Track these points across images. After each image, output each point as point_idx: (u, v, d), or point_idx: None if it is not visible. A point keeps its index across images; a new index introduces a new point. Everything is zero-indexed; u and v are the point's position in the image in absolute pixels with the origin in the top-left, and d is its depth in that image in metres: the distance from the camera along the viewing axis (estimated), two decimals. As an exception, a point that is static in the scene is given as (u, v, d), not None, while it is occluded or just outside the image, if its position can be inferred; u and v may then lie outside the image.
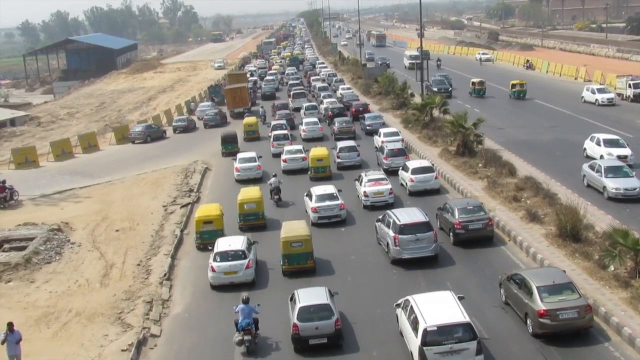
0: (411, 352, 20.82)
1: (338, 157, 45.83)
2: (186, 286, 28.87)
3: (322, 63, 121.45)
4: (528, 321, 22.52)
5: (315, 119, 58.94)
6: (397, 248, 28.77)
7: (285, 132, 53.87)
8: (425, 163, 39.60)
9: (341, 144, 47.43)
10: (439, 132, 50.62)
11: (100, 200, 43.14)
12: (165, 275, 29.62)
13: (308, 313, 22.68)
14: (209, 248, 29.94)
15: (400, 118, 59.91)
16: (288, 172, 44.90)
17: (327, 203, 34.92)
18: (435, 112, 55.45)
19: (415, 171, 38.31)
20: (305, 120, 58.88)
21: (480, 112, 57.53)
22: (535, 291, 22.16)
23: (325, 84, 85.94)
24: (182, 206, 39.96)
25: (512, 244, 29.95)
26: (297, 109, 68.94)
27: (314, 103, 68.92)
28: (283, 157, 46.06)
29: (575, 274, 25.45)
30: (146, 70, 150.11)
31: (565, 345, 21.55)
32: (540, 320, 21.81)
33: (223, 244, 29.18)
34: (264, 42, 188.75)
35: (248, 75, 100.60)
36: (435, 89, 69.94)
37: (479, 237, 29.86)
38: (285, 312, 24.21)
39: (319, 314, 22.70)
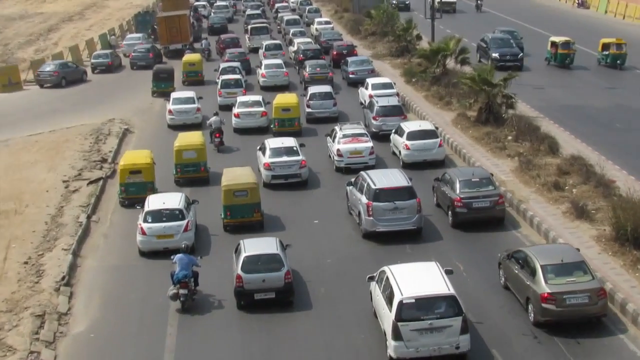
0: (384, 332, 22.69)
1: (308, 107, 47.90)
2: (93, 295, 28.62)
3: None
4: (529, 307, 24.28)
5: (279, 61, 59.95)
6: (371, 218, 30.71)
7: (237, 77, 54.62)
8: (426, 125, 40.70)
9: (313, 89, 49.00)
10: (454, 90, 50.74)
11: (-26, 171, 42.69)
12: (63, 278, 29.30)
13: (254, 264, 25.74)
14: (137, 206, 32.20)
15: (401, 69, 59.99)
16: (241, 131, 45.56)
17: (284, 158, 37.21)
18: (450, 63, 55.47)
19: (412, 135, 39.17)
20: (265, 62, 59.70)
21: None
22: (540, 271, 23.94)
23: (295, 16, 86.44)
24: (90, 182, 39.69)
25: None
26: (257, 50, 69.52)
27: (277, 41, 69.80)
28: (235, 110, 47.34)
29: (636, 292, 25.57)
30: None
31: (571, 336, 23.20)
32: (544, 305, 23.51)
33: (155, 202, 31.80)
34: None
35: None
36: (496, 56, 60.06)
37: (485, 219, 31.30)
38: (230, 276, 26.89)
39: (266, 265, 25.78)
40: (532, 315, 24.15)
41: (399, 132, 40.23)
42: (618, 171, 36.70)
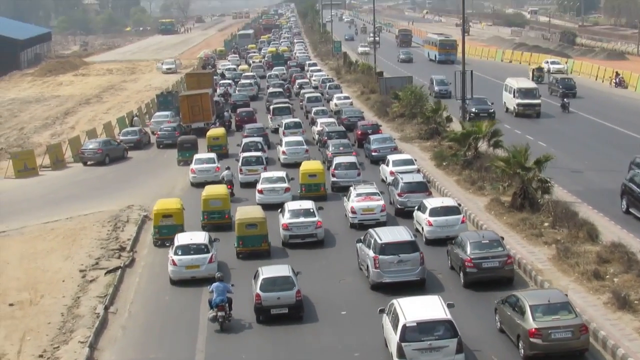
0: (391, 354, 27.64)
1: (333, 175, 51.95)
2: (110, 390, 28.66)
3: (315, 65, 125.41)
4: (520, 343, 28.39)
5: (300, 138, 62.65)
6: (377, 270, 34.95)
7: (259, 154, 57.26)
8: (448, 202, 42.85)
9: (338, 159, 53.69)
10: (487, 174, 50.83)
11: (-13, 260, 43.00)
12: (79, 373, 29.35)
13: (270, 284, 32.75)
14: (167, 244, 39.94)
15: (431, 152, 60.25)
16: (266, 206, 46.11)
17: (302, 220, 41.83)
18: (482, 145, 55.70)
19: (435, 212, 41.13)
20: (285, 139, 62.21)
21: (549, 147, 57.92)
22: (528, 310, 28.16)
23: (317, 94, 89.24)
24: (108, 271, 39.85)
25: (591, 342, 29.80)
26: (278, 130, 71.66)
27: (297, 119, 71.74)
28: (259, 186, 49.59)
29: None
30: (63, 71, 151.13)
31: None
32: (531, 340, 27.60)
33: (184, 238, 39.15)
34: (238, 35, 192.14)
35: (217, 78, 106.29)
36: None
37: (495, 278, 34.30)
38: (246, 298, 33.87)
39: (280, 285, 32.77)
40: (522, 350, 28.21)
41: (422, 208, 42.12)
42: (661, 259, 36.59)
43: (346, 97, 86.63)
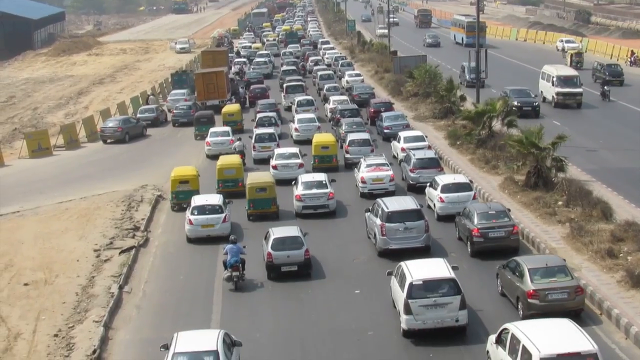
0: (399, 311, 29.38)
1: (347, 152, 53.08)
2: (125, 369, 28.87)
3: (328, 43, 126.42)
4: (519, 305, 30.14)
5: (312, 115, 63.81)
6: (384, 237, 36.86)
7: (271, 131, 58.71)
8: (460, 178, 43.66)
9: (352, 135, 54.51)
10: (501, 153, 50.79)
11: (1, 240, 43.18)
12: (94, 352, 29.48)
13: (281, 244, 35.48)
14: (184, 206, 43.15)
15: (445, 131, 60.22)
16: (280, 182, 47.35)
17: (314, 191, 43.93)
18: (496, 125, 55.64)
19: (447, 188, 41.90)
20: (298, 116, 63.50)
21: (562, 126, 57.76)
22: (527, 273, 29.85)
23: (329, 71, 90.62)
24: (122, 251, 40.09)
25: (605, 320, 29.90)
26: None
27: (309, 97, 72.78)
28: (273, 162, 51.00)
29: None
30: (76, 51, 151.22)
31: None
32: (529, 300, 29.36)
33: (200, 199, 42.36)
34: (252, 13, 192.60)
35: (232, 56, 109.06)
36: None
37: (501, 247, 35.50)
38: (258, 258, 36.58)
39: (290, 244, 35.50)
40: (521, 311, 29.91)
41: (434, 185, 42.84)
42: (676, 238, 36.55)
43: (357, 75, 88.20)
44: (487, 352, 26.64)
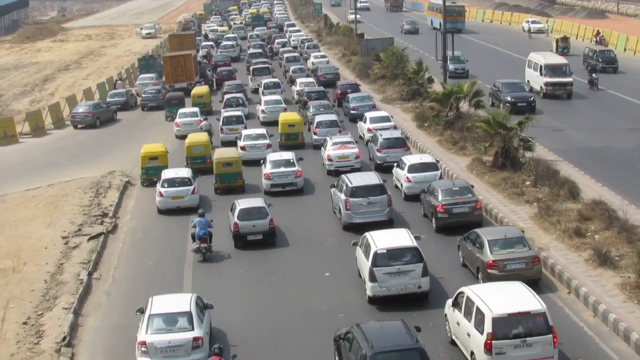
0: (364, 279, 30.81)
1: (315, 134, 53.86)
2: (95, 355, 28.76)
3: (294, 25, 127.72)
4: (479, 274, 31.18)
5: (279, 97, 64.92)
6: (349, 212, 38.23)
7: (238, 113, 59.62)
8: (427, 158, 44.16)
9: (319, 117, 55.58)
10: (469, 134, 51.02)
11: (-31, 228, 42.94)
12: (64, 339, 29.41)
13: (246, 214, 37.29)
14: (155, 180, 44.99)
15: (413, 113, 60.35)
16: (248, 163, 49.26)
17: (282, 169, 45.01)
18: (464, 106, 55.82)
19: (414, 168, 42.49)
20: (264, 98, 64.58)
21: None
22: (487, 244, 30.94)
23: (295, 53, 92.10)
24: (91, 238, 39.90)
25: (573, 298, 30.16)
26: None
27: (276, 80, 73.44)
28: (241, 143, 51.92)
29: (665, 342, 25.69)
30: (41, 37, 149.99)
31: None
32: (489, 271, 30.43)
33: (170, 173, 44.52)
34: None
35: (200, 39, 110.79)
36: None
37: (464, 223, 35.99)
38: (225, 229, 38.42)
39: (255, 215, 37.33)
40: (481, 280, 30.68)
41: (401, 165, 43.45)
42: (642, 215, 36.92)
43: (323, 56, 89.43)
44: (445, 315, 27.79)
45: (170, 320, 26.69)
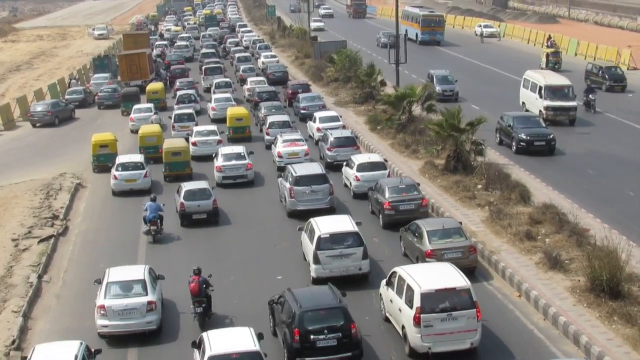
0: (309, 262, 32.97)
1: (267, 134, 54.83)
2: None
3: (246, 26, 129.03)
4: (418, 262, 32.29)
5: (228, 95, 66.42)
6: (293, 199, 40.58)
7: (190, 111, 61.35)
8: (375, 157, 45.50)
9: (272, 118, 56.71)
10: (421, 137, 51.16)
11: None
12: (13, 342, 29.20)
13: (192, 195, 40.57)
14: (109, 165, 48.08)
15: (366, 116, 60.44)
16: (199, 158, 51.84)
17: (234, 162, 46.97)
18: (416, 109, 56.01)
19: (362, 167, 43.61)
20: (215, 96, 66.37)
21: (481, 109, 58.45)
22: (425, 235, 32.55)
23: (247, 53, 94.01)
24: (41, 240, 39.57)
25: (523, 301, 30.39)
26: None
27: (227, 79, 74.83)
28: (192, 139, 53.51)
29: (614, 344, 25.94)
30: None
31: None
32: (427, 259, 31.82)
33: (123, 158, 47.95)
34: None
35: (156, 38, 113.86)
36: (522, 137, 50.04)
37: (411, 219, 35.99)
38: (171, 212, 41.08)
39: (200, 196, 40.59)
40: None
41: (350, 164, 44.56)
42: (592, 219, 37.22)
43: (273, 56, 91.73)
44: (380, 294, 29.89)
45: (126, 287, 29.65)
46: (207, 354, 24.08)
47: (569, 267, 31.67)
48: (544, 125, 51.23)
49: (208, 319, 29.97)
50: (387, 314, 29.01)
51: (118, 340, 29.12)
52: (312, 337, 25.83)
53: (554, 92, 57.05)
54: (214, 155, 48.97)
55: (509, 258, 33.28)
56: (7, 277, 35.18)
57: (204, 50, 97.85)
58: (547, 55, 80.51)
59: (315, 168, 42.42)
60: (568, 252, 32.88)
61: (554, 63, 79.41)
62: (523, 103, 60.10)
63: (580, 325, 27.30)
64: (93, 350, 26.28)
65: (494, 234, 35.94)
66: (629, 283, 29.34)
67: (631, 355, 25.47)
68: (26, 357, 25.94)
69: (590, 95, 61.23)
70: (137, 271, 30.77)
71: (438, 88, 65.75)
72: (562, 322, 27.76)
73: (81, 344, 25.47)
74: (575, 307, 28.71)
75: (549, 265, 31.89)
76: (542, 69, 75.02)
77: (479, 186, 42.04)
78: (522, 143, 49.46)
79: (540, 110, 56.46)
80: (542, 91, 56.96)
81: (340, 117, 57.17)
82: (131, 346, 29.06)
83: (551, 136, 49.61)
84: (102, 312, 28.99)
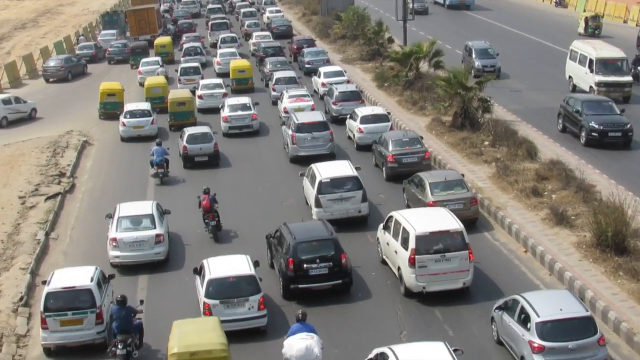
0: (311, 205, 34.52)
1: (274, 90, 55.36)
2: (53, 315, 28.66)
3: None
4: None
5: (233, 50, 67.69)
6: (295, 146, 42.31)
7: (196, 64, 62.59)
8: (378, 110, 46.33)
9: (278, 74, 56.92)
10: (428, 94, 51.14)
11: None
12: (21, 299, 29.43)
13: (194, 139, 43.22)
14: (117, 113, 51.37)
15: (373, 74, 60.34)
16: (205, 111, 53.68)
17: (239, 113, 48.71)
18: (424, 66, 55.90)
19: (365, 120, 44.46)
20: (220, 51, 67.59)
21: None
22: (428, 187, 33.25)
23: (252, 9, 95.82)
24: (48, 197, 39.75)
25: (529, 257, 30.51)
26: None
27: (233, 34, 76.49)
28: (198, 92, 55.15)
29: (619, 299, 26.07)
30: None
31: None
32: None
33: (131, 106, 50.62)
34: None
35: None
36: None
37: (414, 172, 36.45)
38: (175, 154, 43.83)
39: (202, 138, 43.29)
40: None
41: (353, 117, 45.45)
42: (599, 175, 37.30)
43: (277, 11, 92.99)
44: (377, 238, 31.19)
45: (135, 221, 32.05)
46: (207, 277, 26.58)
47: (575, 222, 31.77)
48: (618, 111, 43.77)
49: (219, 231, 33.86)
50: (384, 257, 30.38)
51: (129, 269, 31.51)
52: (305, 266, 27.99)
53: (606, 65, 50.87)
54: (220, 106, 50.56)
55: (515, 214, 33.39)
56: (15, 235, 35.39)
57: (210, 6, 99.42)
58: (586, 20, 74.61)
59: (317, 116, 44.02)
60: (574, 208, 32.96)
61: (594, 28, 73.77)
62: (570, 77, 54.22)
63: (586, 280, 27.42)
64: (107, 275, 27.96)
65: (500, 190, 36.00)
66: (634, 238, 29.43)
67: (636, 309, 25.58)
68: (46, 281, 26.79)
69: (638, 67, 54.78)
70: (146, 206, 33.33)
71: (477, 63, 58.77)
72: (568, 278, 27.88)
73: (96, 268, 27.33)
74: (580, 263, 28.83)
75: (555, 221, 31.99)
76: (579, 34, 71.57)
77: (486, 143, 42.06)
78: (593, 134, 42.40)
79: (590, 86, 50.80)
80: (593, 65, 50.77)
81: (345, 72, 57.56)
82: (141, 274, 31.38)
83: (628, 126, 42.62)
84: (114, 244, 31.40)
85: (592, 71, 50.82)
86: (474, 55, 59.68)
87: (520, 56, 66.69)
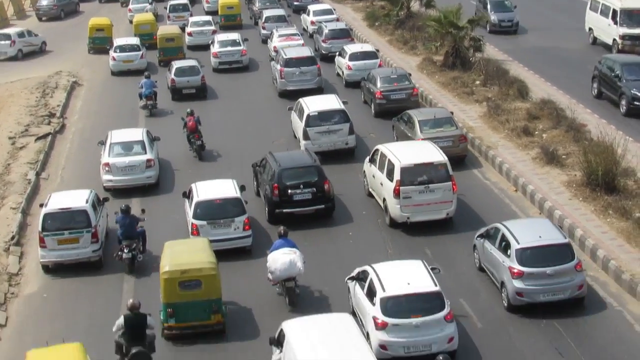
0: (299, 139, 35.42)
1: (263, 28, 55.69)
2: (44, 254, 28.76)
3: None
4: None
5: None
6: (283, 80, 43.20)
7: (184, 1, 63.13)
8: (367, 47, 46.76)
9: (267, 12, 57.55)
10: (420, 34, 50.98)
11: None
12: (12, 238, 29.50)
13: (182, 72, 44.39)
14: (107, 48, 52.30)
15: (364, 13, 60.03)
16: (194, 47, 54.61)
17: (229, 49, 49.59)
18: (415, 5, 55.61)
19: (354, 57, 44.86)
20: None
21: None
22: (417, 124, 33.54)
23: None
24: (38, 138, 39.71)
25: (519, 196, 30.65)
26: None
27: None
28: (188, 29, 56.05)
29: (608, 237, 26.25)
30: None
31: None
32: None
33: (121, 40, 52.06)
34: None
35: None
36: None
37: (402, 108, 37.02)
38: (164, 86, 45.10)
39: (189, 71, 44.43)
40: None
41: (342, 54, 45.86)
42: (589, 115, 37.29)
43: None
44: (364, 171, 31.73)
45: (127, 147, 33.42)
46: (195, 200, 27.88)
47: (565, 162, 31.87)
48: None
49: (203, 151, 35.86)
50: (370, 189, 31.06)
51: (121, 192, 32.64)
52: (289, 191, 29.11)
53: (631, 16, 46.51)
54: (210, 42, 51.39)
55: (506, 153, 33.47)
56: (5, 175, 35.38)
57: None
58: None
59: (305, 51, 44.91)
60: (565, 147, 33.05)
61: None
62: (590, 29, 50.14)
63: (576, 219, 27.58)
64: (102, 198, 29.56)
65: (491, 130, 36.07)
66: (624, 177, 29.59)
67: (625, 247, 25.77)
68: (42, 204, 28.02)
69: None
70: (137, 133, 34.76)
71: (493, 17, 53.60)
72: (558, 216, 28.00)
73: (91, 191, 28.93)
74: (570, 201, 28.98)
75: (546, 160, 32.09)
76: None
77: (477, 82, 42.05)
78: (636, 102, 37.25)
79: (614, 39, 46.72)
80: (617, 16, 46.53)
81: (334, 10, 57.80)
82: (134, 197, 32.46)
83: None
84: (107, 169, 32.78)
85: (615, 23, 46.84)
86: (489, 8, 54.28)
87: (537, 6, 61.41)
